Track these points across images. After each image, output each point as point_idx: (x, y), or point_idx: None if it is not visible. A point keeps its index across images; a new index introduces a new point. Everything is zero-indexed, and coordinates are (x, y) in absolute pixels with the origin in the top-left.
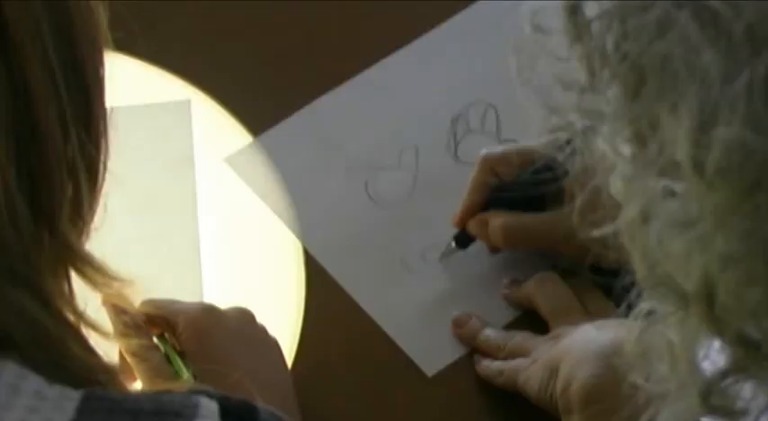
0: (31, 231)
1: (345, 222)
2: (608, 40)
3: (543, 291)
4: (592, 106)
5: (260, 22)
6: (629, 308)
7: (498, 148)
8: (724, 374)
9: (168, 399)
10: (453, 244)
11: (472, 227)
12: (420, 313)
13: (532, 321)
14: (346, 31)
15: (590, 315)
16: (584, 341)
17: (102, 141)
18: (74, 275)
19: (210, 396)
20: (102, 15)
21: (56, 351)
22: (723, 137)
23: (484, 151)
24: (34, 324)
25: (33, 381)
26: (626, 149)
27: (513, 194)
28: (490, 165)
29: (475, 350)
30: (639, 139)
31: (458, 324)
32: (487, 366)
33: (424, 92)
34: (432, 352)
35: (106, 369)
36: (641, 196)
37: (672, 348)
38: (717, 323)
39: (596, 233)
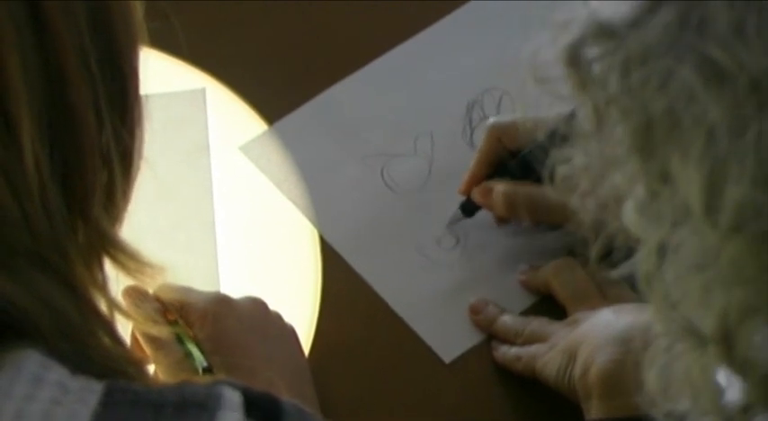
0: (63, 217)
1: (361, 209)
2: (612, 87)
3: (561, 276)
4: (602, 152)
5: (274, 11)
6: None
7: (506, 118)
8: (745, 409)
9: (191, 391)
10: (460, 212)
11: (476, 194)
12: (437, 299)
13: (550, 307)
14: (361, 19)
15: (608, 300)
16: (603, 326)
17: (137, 130)
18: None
19: (234, 387)
20: (138, 8)
21: (82, 341)
22: (734, 197)
23: (491, 120)
24: (61, 313)
25: (56, 372)
26: (640, 191)
27: (517, 163)
28: (497, 135)
29: (492, 336)
30: (652, 184)
31: (475, 310)
32: (505, 352)
33: (439, 79)
34: (449, 338)
35: (134, 360)
36: (657, 234)
37: (692, 379)
38: (737, 365)
39: (615, 275)
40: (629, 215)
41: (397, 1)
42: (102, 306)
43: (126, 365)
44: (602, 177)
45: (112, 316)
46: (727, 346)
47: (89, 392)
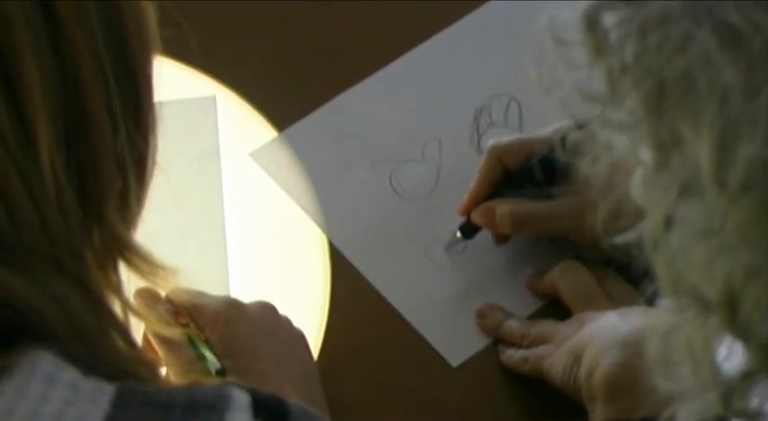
0: (79, 220)
1: (369, 215)
2: (628, 53)
3: (566, 278)
4: (612, 117)
5: (284, 19)
6: (653, 296)
7: (505, 139)
8: (745, 376)
9: (201, 392)
10: (459, 234)
11: (477, 215)
12: (444, 304)
13: (557, 311)
14: (370, 26)
15: (613, 301)
16: (608, 328)
17: (151, 135)
18: (120, 266)
19: (242, 389)
20: (152, 15)
21: (96, 343)
22: (745, 155)
23: (492, 141)
24: (75, 315)
25: (69, 373)
26: (648, 158)
27: (518, 184)
28: (497, 155)
29: (499, 340)
30: (661, 150)
31: (481, 315)
32: (512, 356)
33: (447, 85)
34: (456, 342)
35: (146, 362)
36: (663, 203)
37: (693, 349)
38: (740, 330)
39: (620, 240)
40: (636, 185)
41: (406, 9)
42: (116, 308)
43: (138, 367)
44: (612, 143)
45: (126, 318)
46: (731, 311)
47: (101, 393)
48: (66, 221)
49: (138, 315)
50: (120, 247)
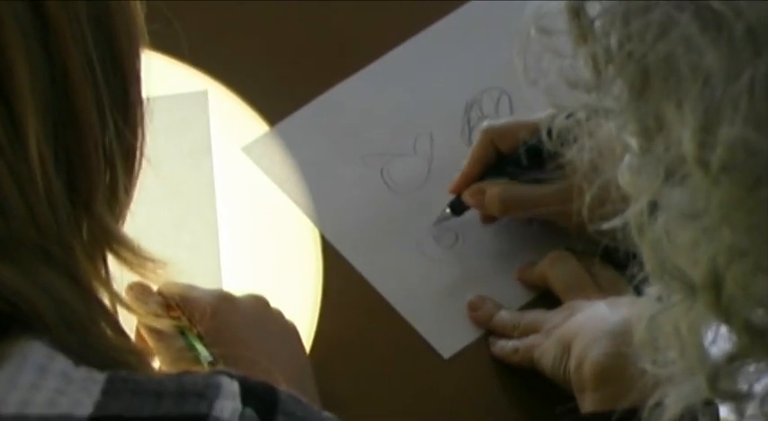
0: (68, 212)
1: (361, 208)
2: (612, 40)
3: (556, 268)
4: (598, 104)
5: (275, 13)
6: (640, 282)
7: (499, 121)
8: (731, 359)
9: (190, 380)
10: (448, 210)
11: (468, 195)
12: (436, 296)
13: (548, 303)
14: (361, 20)
15: (603, 291)
16: (597, 319)
17: (139, 129)
18: (110, 258)
19: (231, 376)
20: (139, 11)
21: (86, 332)
22: (726, 136)
23: (485, 123)
24: (65, 304)
25: (60, 362)
26: (633, 143)
27: (504, 172)
28: (490, 138)
29: (490, 332)
30: (646, 134)
31: (473, 307)
32: (503, 346)
33: (438, 79)
34: (448, 334)
35: (136, 351)
36: (649, 188)
37: (680, 333)
38: (724, 311)
39: (606, 226)
40: (622, 173)
41: (396, 2)
42: (106, 299)
43: (128, 355)
44: (597, 131)
45: (115, 309)
46: (716, 293)
47: (92, 382)
48: (55, 214)
49: (128, 307)
50: (109, 239)
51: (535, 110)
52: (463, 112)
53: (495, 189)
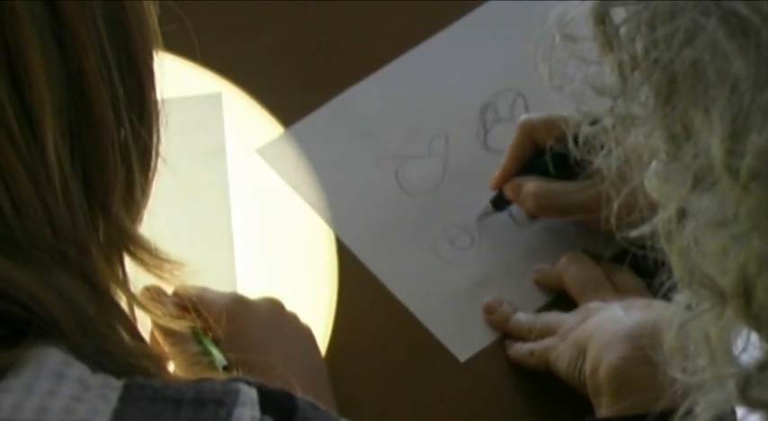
0: (85, 213)
1: (376, 210)
2: (637, 46)
3: (572, 269)
4: (624, 110)
5: (290, 15)
6: (669, 289)
7: (537, 115)
8: (762, 367)
9: (209, 387)
10: (490, 206)
11: (508, 190)
12: (451, 299)
13: (564, 305)
14: (376, 21)
15: (619, 292)
16: (612, 322)
17: (155, 128)
18: (126, 260)
19: (250, 383)
20: (152, 10)
21: (102, 336)
22: (756, 144)
23: (524, 117)
24: (80, 310)
25: (77, 369)
26: (660, 150)
27: (550, 159)
28: (528, 131)
29: (506, 335)
30: (673, 141)
31: (489, 310)
32: (518, 349)
33: (454, 81)
34: (464, 337)
35: (152, 355)
36: (676, 195)
37: (709, 341)
38: (755, 319)
39: (634, 234)
40: (650, 178)
41: (413, 4)
42: (122, 302)
43: (144, 360)
44: (624, 137)
45: (132, 311)
46: (746, 301)
47: (109, 389)
48: (72, 214)
49: (144, 308)
50: (126, 241)
51: (550, 110)
52: (478, 114)
53: (529, 186)
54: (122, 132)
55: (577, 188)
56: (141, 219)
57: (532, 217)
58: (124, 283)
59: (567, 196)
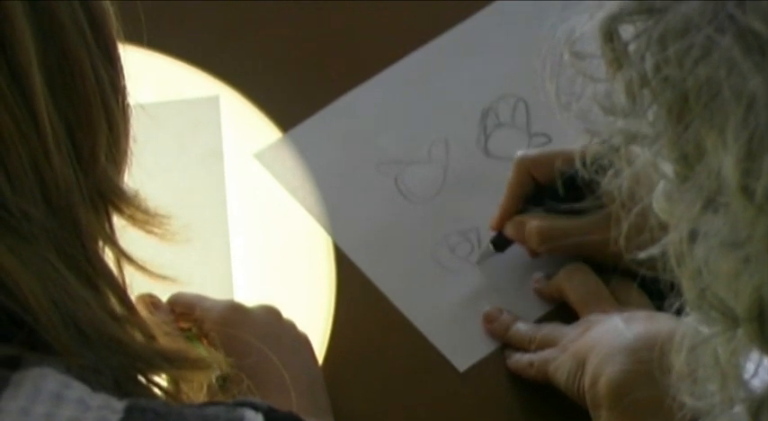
0: (74, 166)
1: (375, 217)
2: (647, 64)
3: (572, 280)
4: (633, 129)
5: (288, 18)
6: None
7: (534, 151)
8: None
9: (213, 412)
10: (491, 247)
11: (509, 229)
12: (451, 308)
13: (565, 315)
14: (375, 26)
15: (620, 304)
16: (613, 334)
17: (119, 65)
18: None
19: (255, 408)
20: None
21: (113, 337)
22: None
23: (520, 153)
24: (75, 299)
25: (76, 389)
26: (670, 170)
27: (548, 198)
28: (526, 167)
29: (506, 345)
30: (684, 161)
31: (489, 319)
32: (518, 360)
33: (454, 85)
34: (463, 347)
35: (163, 353)
36: (687, 216)
37: (720, 365)
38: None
39: (643, 255)
40: (659, 199)
41: (412, 8)
42: (111, 261)
43: (158, 358)
44: (633, 156)
45: (121, 271)
46: (760, 324)
47: (110, 411)
48: (63, 168)
49: (136, 266)
50: (114, 193)
51: (552, 117)
52: (479, 119)
53: (534, 223)
54: (99, 78)
55: (582, 224)
56: (126, 171)
57: (536, 255)
58: (112, 238)
59: (571, 233)
